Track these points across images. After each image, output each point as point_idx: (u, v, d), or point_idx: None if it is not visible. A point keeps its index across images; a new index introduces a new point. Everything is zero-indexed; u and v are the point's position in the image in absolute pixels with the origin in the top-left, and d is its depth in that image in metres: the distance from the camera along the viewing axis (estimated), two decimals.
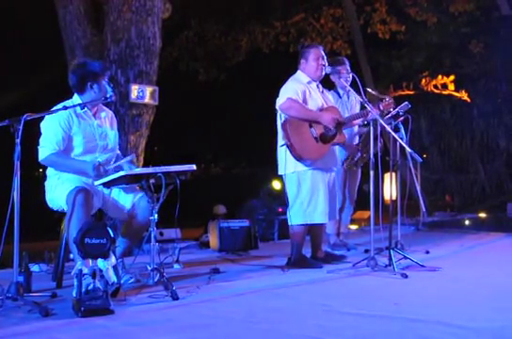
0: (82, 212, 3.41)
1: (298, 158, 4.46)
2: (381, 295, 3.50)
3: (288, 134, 4.42)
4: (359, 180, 5.57)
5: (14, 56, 11.19)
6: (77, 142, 3.72)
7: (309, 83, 4.63)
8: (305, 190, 4.50)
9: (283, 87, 4.59)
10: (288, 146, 4.43)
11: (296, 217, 4.53)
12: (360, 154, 5.25)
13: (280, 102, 4.49)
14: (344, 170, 5.33)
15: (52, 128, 3.67)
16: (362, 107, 4.96)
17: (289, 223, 4.60)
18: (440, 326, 2.70)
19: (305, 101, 4.53)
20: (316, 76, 4.67)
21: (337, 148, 4.86)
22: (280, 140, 4.52)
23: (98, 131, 3.81)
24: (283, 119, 4.51)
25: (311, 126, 4.50)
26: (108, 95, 3.72)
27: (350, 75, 5.14)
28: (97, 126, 3.82)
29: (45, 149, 3.66)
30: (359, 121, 5.10)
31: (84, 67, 3.78)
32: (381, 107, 4.75)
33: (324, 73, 4.70)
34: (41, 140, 3.70)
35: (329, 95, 4.94)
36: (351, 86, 4.97)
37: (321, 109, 4.60)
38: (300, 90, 4.53)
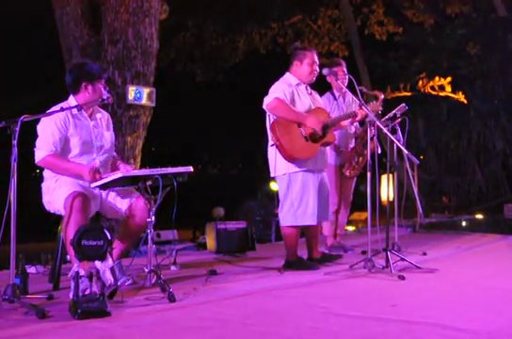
0: (79, 217, 3.40)
1: (289, 158, 4.44)
2: (378, 297, 3.50)
3: (277, 134, 4.41)
4: (354, 181, 5.57)
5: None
6: (74, 143, 3.71)
7: (297, 85, 4.62)
8: (295, 192, 4.50)
9: (272, 87, 4.58)
10: (277, 146, 4.42)
11: (286, 218, 4.54)
12: (356, 159, 5.27)
13: (266, 101, 4.48)
14: (337, 172, 5.34)
15: (48, 129, 3.66)
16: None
17: (280, 225, 4.61)
18: (438, 328, 2.70)
19: (293, 102, 4.52)
20: (308, 80, 4.66)
21: (329, 152, 4.86)
22: (270, 141, 4.53)
23: (94, 132, 3.81)
24: (272, 119, 4.51)
25: (299, 126, 4.49)
26: (105, 97, 3.72)
27: (347, 77, 5.15)
28: (93, 127, 3.82)
29: (42, 151, 3.65)
30: (347, 122, 5.08)
31: (81, 67, 3.79)
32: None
33: (314, 79, 4.70)
34: (38, 142, 3.68)
35: (318, 97, 4.89)
36: (348, 87, 4.98)
37: (308, 111, 4.59)
38: (288, 92, 4.51)
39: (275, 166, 4.48)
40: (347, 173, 5.32)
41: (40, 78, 11.59)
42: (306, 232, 4.71)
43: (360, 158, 5.24)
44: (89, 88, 3.75)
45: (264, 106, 4.50)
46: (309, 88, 4.73)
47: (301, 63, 4.63)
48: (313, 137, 4.51)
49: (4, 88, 11.34)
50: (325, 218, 4.77)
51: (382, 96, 5.00)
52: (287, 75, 4.69)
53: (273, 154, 4.49)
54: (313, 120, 4.46)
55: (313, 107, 4.64)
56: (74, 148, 3.72)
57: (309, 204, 4.50)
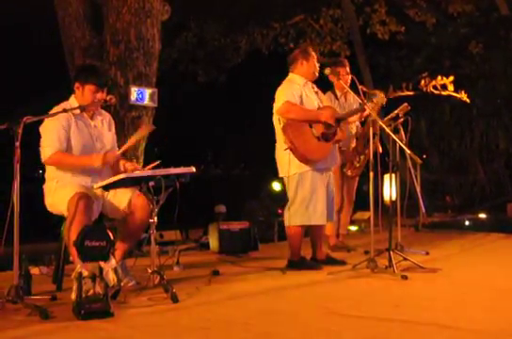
0: (83, 218, 3.39)
1: (304, 160, 4.43)
2: (381, 297, 3.50)
3: (290, 136, 4.41)
4: (357, 181, 5.57)
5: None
6: (74, 143, 3.72)
7: (304, 85, 4.62)
8: (305, 191, 4.49)
9: (279, 90, 4.57)
10: (292, 149, 4.42)
11: (295, 217, 4.53)
12: (358, 158, 5.26)
13: (277, 106, 4.48)
14: (339, 172, 5.33)
15: (54, 128, 3.67)
16: None
17: (286, 224, 4.59)
18: (440, 328, 2.70)
19: (301, 103, 4.53)
20: (314, 77, 4.68)
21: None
22: (283, 144, 4.50)
23: (94, 133, 3.82)
24: (283, 123, 4.50)
25: (311, 126, 4.49)
26: (107, 98, 3.75)
27: (349, 77, 5.15)
28: (93, 128, 3.83)
29: (48, 148, 3.65)
30: (355, 118, 5.12)
31: (82, 68, 3.83)
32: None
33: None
34: (43, 141, 3.69)
35: (323, 95, 4.91)
36: (350, 87, 4.97)
37: (318, 109, 4.59)
38: (297, 93, 4.52)
39: (288, 166, 4.46)
40: (349, 173, 5.32)
41: (43, 82, 11.59)
42: (311, 232, 4.70)
43: (362, 157, 5.24)
44: (80, 89, 3.77)
45: (276, 112, 4.50)
46: (314, 85, 4.74)
47: (307, 61, 4.63)
48: (325, 137, 4.51)
49: (7, 92, 11.34)
50: (330, 219, 4.76)
51: (382, 94, 4.99)
52: (292, 76, 4.67)
53: (286, 156, 4.46)
54: (327, 113, 4.48)
55: (322, 106, 4.65)
56: (75, 148, 3.73)
57: (318, 203, 4.49)
